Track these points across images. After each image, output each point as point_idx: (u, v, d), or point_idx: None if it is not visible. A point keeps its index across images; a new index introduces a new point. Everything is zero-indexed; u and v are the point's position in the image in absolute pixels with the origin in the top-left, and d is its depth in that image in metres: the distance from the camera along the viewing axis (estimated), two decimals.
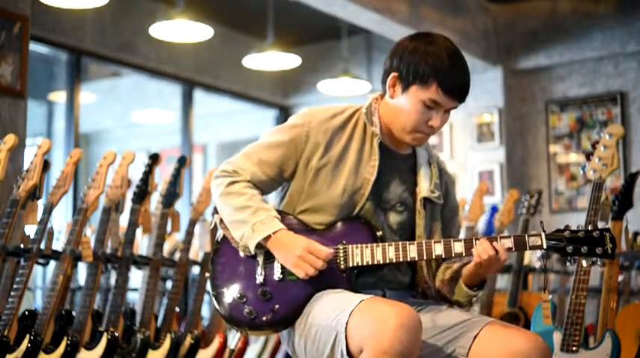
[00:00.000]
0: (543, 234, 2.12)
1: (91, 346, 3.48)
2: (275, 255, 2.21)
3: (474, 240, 2.15)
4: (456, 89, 2.20)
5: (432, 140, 2.34)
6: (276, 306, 2.19)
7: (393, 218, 2.30)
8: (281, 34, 6.47)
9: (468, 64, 2.24)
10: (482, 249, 2.11)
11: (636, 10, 6.52)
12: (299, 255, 2.16)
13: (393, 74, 2.23)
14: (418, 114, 2.21)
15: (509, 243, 2.13)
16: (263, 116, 8.46)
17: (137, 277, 4.29)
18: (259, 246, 2.20)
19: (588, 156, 3.01)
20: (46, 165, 3.47)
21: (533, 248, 2.12)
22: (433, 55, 2.17)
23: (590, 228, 2.13)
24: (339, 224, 2.26)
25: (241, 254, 2.26)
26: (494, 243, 2.12)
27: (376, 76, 7.53)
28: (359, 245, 2.20)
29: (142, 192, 3.84)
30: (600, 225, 2.91)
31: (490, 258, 2.11)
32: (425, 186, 2.32)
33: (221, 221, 2.29)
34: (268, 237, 2.19)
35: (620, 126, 3.06)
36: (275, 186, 2.34)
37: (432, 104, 2.20)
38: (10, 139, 3.40)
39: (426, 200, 2.32)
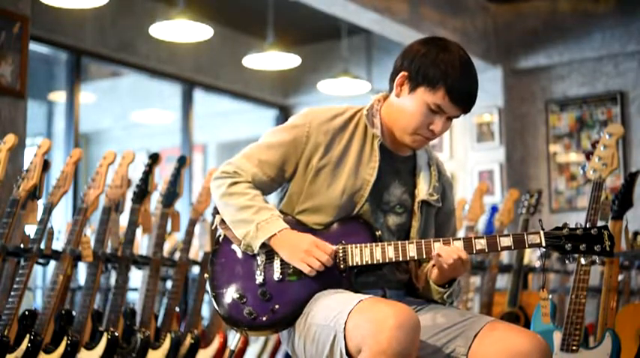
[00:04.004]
0: (542, 232, 2.13)
1: (91, 346, 3.48)
2: (280, 253, 2.21)
3: (473, 239, 2.15)
4: (463, 98, 2.20)
5: (432, 140, 2.34)
6: (276, 306, 2.19)
7: (392, 220, 2.30)
8: (281, 34, 6.47)
9: (477, 76, 2.25)
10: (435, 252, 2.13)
11: (636, 10, 6.52)
12: (306, 249, 2.16)
13: (402, 73, 2.24)
14: (421, 117, 2.22)
15: (508, 241, 2.13)
16: (263, 116, 8.46)
17: (137, 277, 4.29)
18: (262, 245, 2.21)
19: (588, 155, 3.02)
20: (46, 165, 3.47)
21: (532, 246, 2.13)
22: (446, 62, 2.17)
23: (588, 226, 2.13)
24: (338, 224, 2.26)
25: (240, 254, 2.26)
26: (445, 247, 2.13)
27: (376, 75, 7.54)
28: (358, 245, 2.20)
29: (142, 192, 3.84)
30: (600, 224, 2.91)
31: (446, 262, 2.13)
32: (424, 189, 2.32)
33: (222, 221, 2.30)
34: (272, 236, 2.19)
35: (620, 125, 3.06)
36: (275, 187, 2.34)
37: (437, 109, 2.20)
38: (10, 139, 3.40)
39: (423, 202, 2.32)
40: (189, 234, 4.13)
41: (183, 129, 7.44)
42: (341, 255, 2.21)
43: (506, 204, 4.85)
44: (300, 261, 2.17)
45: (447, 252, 2.13)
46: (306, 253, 2.16)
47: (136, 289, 4.58)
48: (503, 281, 5.28)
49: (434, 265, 2.22)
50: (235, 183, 2.27)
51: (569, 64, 6.86)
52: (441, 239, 2.17)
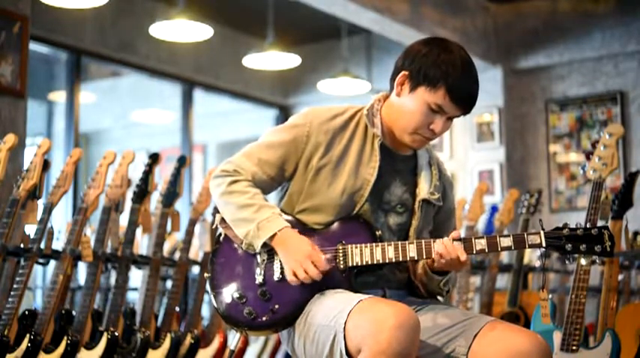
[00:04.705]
0: (542, 233, 2.13)
1: (91, 346, 3.49)
2: (278, 252, 2.21)
3: (473, 239, 2.15)
4: (463, 98, 2.20)
5: (432, 140, 2.34)
6: (276, 306, 2.19)
7: (393, 219, 2.30)
8: (281, 34, 6.47)
9: (478, 77, 2.24)
10: (435, 251, 2.14)
11: (636, 10, 6.52)
12: (299, 260, 2.16)
13: (403, 72, 2.24)
14: (422, 116, 2.21)
15: (508, 241, 2.13)
16: (263, 116, 8.46)
17: (137, 277, 4.29)
18: (264, 244, 2.21)
19: (588, 155, 3.02)
20: (46, 165, 3.47)
21: (533, 246, 2.13)
22: (447, 62, 2.17)
23: (588, 226, 2.13)
24: (338, 224, 2.26)
25: (240, 254, 2.26)
26: (447, 244, 2.13)
27: (376, 75, 7.54)
28: (358, 245, 2.20)
29: (142, 192, 3.84)
30: (600, 224, 2.92)
31: (447, 260, 2.13)
32: (425, 188, 2.32)
33: (222, 220, 2.30)
34: (274, 235, 2.19)
35: (620, 125, 3.06)
36: (275, 186, 2.34)
37: (437, 108, 2.20)
38: (10, 139, 3.40)
39: (424, 201, 2.32)
40: (189, 233, 4.13)
41: (183, 129, 7.44)
42: (341, 255, 2.21)
43: (506, 204, 4.85)
44: (290, 269, 2.17)
45: (447, 251, 2.13)
46: (298, 263, 2.16)
47: (136, 289, 4.58)
48: (503, 281, 5.28)
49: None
50: (235, 181, 2.26)
51: (569, 64, 6.86)
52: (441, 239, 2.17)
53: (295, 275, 2.16)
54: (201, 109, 7.81)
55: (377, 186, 2.27)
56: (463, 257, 2.13)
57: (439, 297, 2.36)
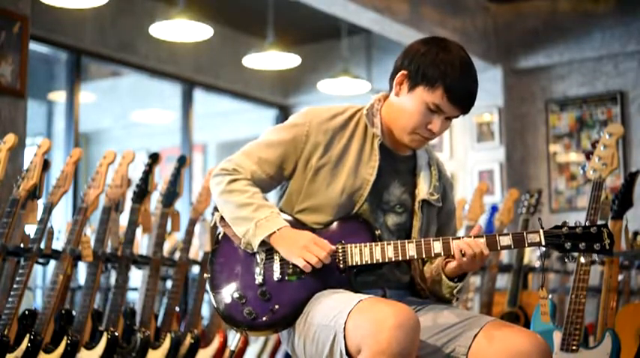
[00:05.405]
0: (541, 231, 2.13)
1: (91, 345, 3.49)
2: (278, 249, 2.20)
3: (472, 238, 2.15)
4: (461, 99, 2.20)
5: (432, 140, 2.34)
6: (276, 306, 2.19)
7: (392, 219, 2.30)
8: (281, 34, 6.47)
9: (477, 77, 2.24)
10: (457, 247, 2.13)
11: (636, 10, 6.51)
12: (304, 245, 2.16)
13: (402, 72, 2.24)
14: (420, 116, 2.22)
15: (507, 240, 2.13)
16: (263, 116, 8.46)
17: (137, 277, 4.29)
18: (262, 243, 2.20)
19: (588, 155, 3.02)
20: (46, 165, 3.47)
21: (532, 245, 2.13)
22: (445, 62, 2.17)
23: (587, 225, 2.13)
24: (338, 223, 2.26)
25: (240, 254, 2.26)
26: (468, 240, 2.13)
27: (376, 75, 7.54)
28: (358, 244, 2.20)
29: (142, 192, 3.84)
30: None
31: (470, 255, 2.12)
32: (424, 189, 2.32)
33: (221, 218, 2.30)
34: (272, 234, 2.19)
35: (620, 125, 3.06)
36: (274, 185, 2.35)
37: (435, 108, 2.20)
38: (10, 139, 3.40)
39: (424, 202, 2.32)
40: (189, 233, 4.14)
41: (183, 129, 7.44)
42: (340, 254, 2.21)
43: (506, 204, 4.85)
44: (297, 256, 2.17)
45: (469, 245, 2.12)
46: (304, 248, 2.16)
47: (136, 289, 4.58)
48: (503, 280, 5.28)
49: (446, 260, 2.22)
50: (234, 180, 2.27)
51: (569, 64, 6.85)
52: (441, 238, 2.17)
53: (306, 261, 2.15)
54: (201, 109, 7.81)
55: (376, 186, 2.27)
56: (486, 251, 2.12)
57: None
